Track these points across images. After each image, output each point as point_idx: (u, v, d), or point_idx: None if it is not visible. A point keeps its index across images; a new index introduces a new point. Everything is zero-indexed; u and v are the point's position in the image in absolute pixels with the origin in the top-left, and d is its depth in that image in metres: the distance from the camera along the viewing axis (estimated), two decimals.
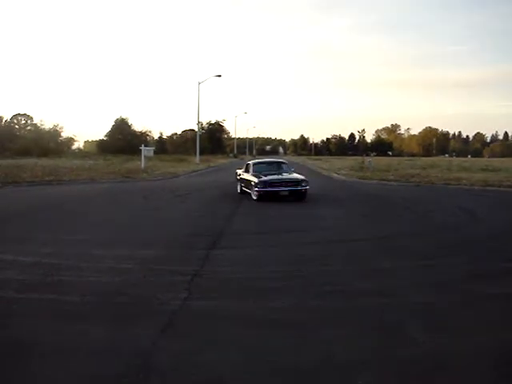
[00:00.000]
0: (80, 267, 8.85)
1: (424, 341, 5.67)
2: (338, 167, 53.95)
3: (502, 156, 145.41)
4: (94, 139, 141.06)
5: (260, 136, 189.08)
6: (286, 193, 20.49)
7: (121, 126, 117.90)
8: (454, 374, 4.88)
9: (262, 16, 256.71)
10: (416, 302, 7.20)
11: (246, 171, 23.10)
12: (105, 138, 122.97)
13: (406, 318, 6.45)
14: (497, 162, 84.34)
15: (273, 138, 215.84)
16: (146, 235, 12.45)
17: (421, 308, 6.92)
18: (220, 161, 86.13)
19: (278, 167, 23.28)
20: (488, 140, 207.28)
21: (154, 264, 9.15)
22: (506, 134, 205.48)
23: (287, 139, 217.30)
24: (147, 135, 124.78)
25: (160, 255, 9.95)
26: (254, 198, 20.46)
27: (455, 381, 4.76)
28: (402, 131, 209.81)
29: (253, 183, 20.94)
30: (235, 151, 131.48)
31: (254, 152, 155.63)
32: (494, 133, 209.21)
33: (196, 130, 79.35)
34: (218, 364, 5.02)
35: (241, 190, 23.30)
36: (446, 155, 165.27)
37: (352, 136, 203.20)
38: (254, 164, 23.55)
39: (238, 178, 24.14)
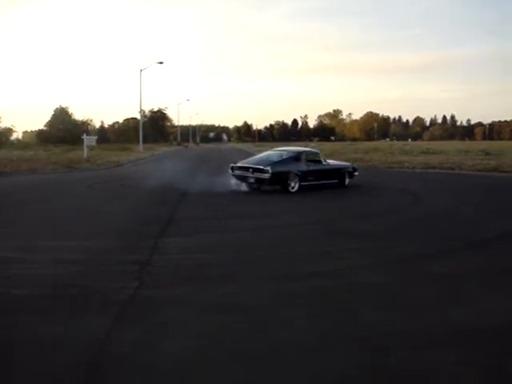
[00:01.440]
0: (27, 260, 8.59)
1: (375, 320, 5.78)
2: None
3: (441, 139, 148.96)
4: (34, 129, 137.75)
5: (203, 123, 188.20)
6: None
7: (61, 116, 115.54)
8: (406, 352, 4.98)
9: (202, 2, 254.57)
10: (365, 282, 7.33)
11: None
12: (45, 128, 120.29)
13: (356, 299, 6.56)
14: (436, 144, 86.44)
15: (216, 125, 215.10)
16: (93, 225, 12.21)
17: (370, 288, 7.05)
18: (164, 148, 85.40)
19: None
20: (427, 124, 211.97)
21: (103, 254, 8.99)
22: (444, 117, 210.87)
23: (231, 126, 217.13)
24: (88, 124, 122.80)
25: (109, 245, 9.78)
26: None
27: (408, 358, 4.85)
28: (344, 116, 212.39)
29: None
30: (179, 139, 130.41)
31: (198, 139, 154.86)
32: (433, 117, 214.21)
33: (138, 118, 78.49)
34: (175, 352, 4.96)
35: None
36: (387, 139, 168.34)
37: (295, 122, 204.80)
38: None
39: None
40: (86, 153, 43.97)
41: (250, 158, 22.17)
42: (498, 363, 4.72)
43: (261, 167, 18.99)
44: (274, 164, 19.16)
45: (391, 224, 12.44)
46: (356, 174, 21.89)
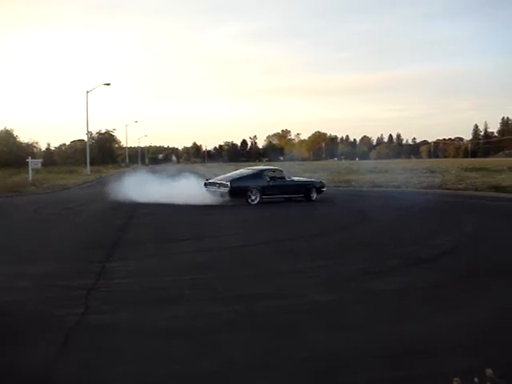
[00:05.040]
0: None
1: (322, 339, 5.85)
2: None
3: (388, 157, 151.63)
4: None
5: (152, 145, 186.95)
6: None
7: (5, 138, 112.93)
8: (355, 370, 5.06)
9: (149, 24, 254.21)
10: (311, 302, 7.41)
11: None
12: None
13: (303, 318, 6.63)
14: (383, 163, 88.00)
15: (165, 146, 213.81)
16: (39, 250, 11.96)
17: (317, 307, 7.13)
18: (111, 171, 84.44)
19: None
20: (374, 143, 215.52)
21: (49, 279, 8.83)
22: (390, 136, 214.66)
23: (180, 147, 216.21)
24: (34, 147, 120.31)
25: (54, 270, 9.61)
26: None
27: (356, 377, 4.93)
28: (293, 136, 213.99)
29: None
30: (127, 160, 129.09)
31: (147, 161, 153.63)
32: (380, 136, 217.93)
33: (86, 140, 77.45)
34: (120, 377, 4.93)
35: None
36: (335, 158, 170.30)
37: (244, 142, 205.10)
38: None
39: None
40: (31, 176, 43.13)
41: (220, 176, 25.57)
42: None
43: (223, 182, 22.80)
44: (234, 180, 22.83)
45: (338, 242, 12.62)
46: (324, 189, 24.81)
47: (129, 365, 5.23)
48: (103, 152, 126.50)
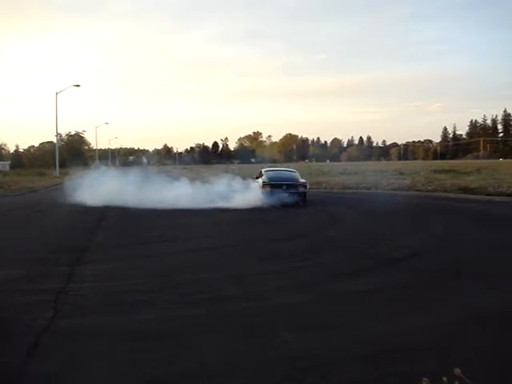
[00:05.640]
0: None
1: (293, 340, 5.86)
2: (204, 176, 54.08)
3: (358, 160, 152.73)
4: None
5: (123, 147, 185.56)
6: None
7: None
8: (325, 371, 5.07)
9: (120, 25, 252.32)
10: (282, 303, 7.42)
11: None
12: None
13: (274, 320, 6.63)
14: (354, 165, 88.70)
15: (136, 148, 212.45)
16: (7, 254, 11.77)
17: (288, 309, 7.15)
18: (81, 173, 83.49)
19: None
20: (345, 145, 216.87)
21: (17, 284, 8.70)
22: (361, 138, 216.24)
23: (151, 149, 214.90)
24: (2, 149, 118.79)
25: (23, 274, 9.46)
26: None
27: (326, 377, 4.94)
28: (264, 138, 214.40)
29: None
30: (97, 162, 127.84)
31: (117, 163, 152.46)
32: (350, 138, 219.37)
33: (55, 141, 76.56)
34: (91, 383, 4.87)
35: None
36: (307, 160, 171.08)
37: (216, 144, 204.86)
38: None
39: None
40: None
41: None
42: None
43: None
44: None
45: (308, 244, 12.65)
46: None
47: (99, 369, 5.17)
48: (73, 154, 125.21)
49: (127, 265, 10.41)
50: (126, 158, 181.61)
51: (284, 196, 22.05)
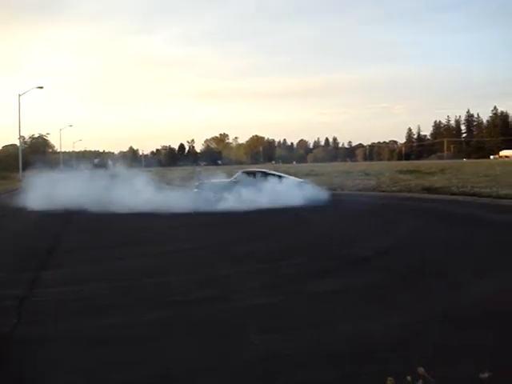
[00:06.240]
0: None
1: (263, 342, 5.85)
2: (170, 178, 53.85)
3: (324, 161, 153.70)
4: None
5: (87, 149, 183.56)
6: None
7: None
8: (295, 371, 5.08)
9: (84, 26, 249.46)
10: (253, 304, 7.42)
11: None
12: None
13: (244, 322, 6.62)
14: (320, 166, 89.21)
15: (101, 150, 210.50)
16: None
17: (258, 310, 7.14)
18: (45, 176, 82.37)
19: None
20: (311, 146, 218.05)
21: None
22: (326, 140, 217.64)
23: (116, 151, 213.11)
24: None
25: None
26: None
27: (296, 378, 4.95)
28: (231, 140, 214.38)
29: None
30: (61, 166, 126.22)
31: (82, 166, 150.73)
32: (316, 139, 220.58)
33: (18, 144, 75.39)
34: None
35: None
36: (273, 162, 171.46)
37: (182, 146, 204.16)
38: None
39: None
40: None
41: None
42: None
43: None
44: None
45: (277, 245, 12.66)
46: None
47: (66, 376, 5.09)
48: (37, 157, 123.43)
49: (94, 268, 10.29)
50: (91, 160, 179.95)
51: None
